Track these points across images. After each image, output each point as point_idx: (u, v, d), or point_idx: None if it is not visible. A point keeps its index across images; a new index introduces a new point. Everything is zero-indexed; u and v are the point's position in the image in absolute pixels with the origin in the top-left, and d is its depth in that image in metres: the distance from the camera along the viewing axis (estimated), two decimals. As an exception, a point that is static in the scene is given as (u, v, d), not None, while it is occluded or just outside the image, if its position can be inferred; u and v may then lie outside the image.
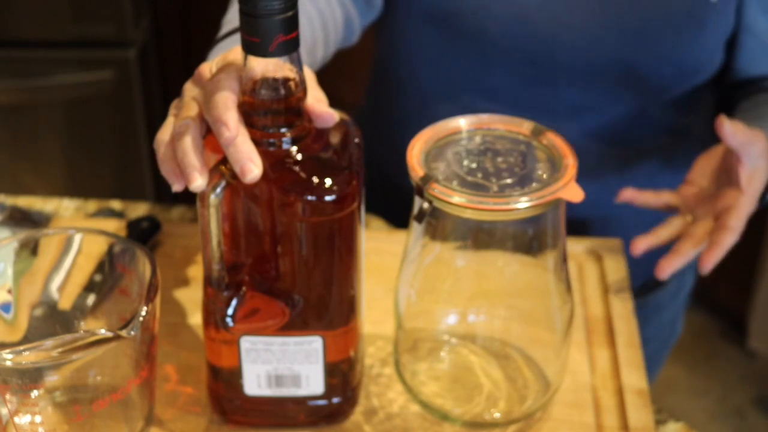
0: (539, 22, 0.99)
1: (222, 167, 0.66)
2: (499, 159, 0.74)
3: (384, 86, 1.13)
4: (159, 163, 0.68)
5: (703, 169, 0.93)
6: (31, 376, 0.67)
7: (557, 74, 1.01)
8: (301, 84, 0.67)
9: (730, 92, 1.06)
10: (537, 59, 1.00)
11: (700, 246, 0.89)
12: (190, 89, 0.70)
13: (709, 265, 0.87)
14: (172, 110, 0.70)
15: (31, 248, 0.76)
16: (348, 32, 1.02)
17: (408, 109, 1.10)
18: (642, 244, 0.91)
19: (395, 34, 1.09)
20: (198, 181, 0.64)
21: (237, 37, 0.84)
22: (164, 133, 0.68)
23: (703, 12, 0.97)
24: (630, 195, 0.93)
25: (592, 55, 0.99)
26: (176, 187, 0.66)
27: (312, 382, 0.75)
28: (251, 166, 0.64)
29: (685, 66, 1.00)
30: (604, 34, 0.98)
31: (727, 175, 0.90)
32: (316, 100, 0.70)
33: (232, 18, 0.89)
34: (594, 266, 0.96)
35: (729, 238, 0.87)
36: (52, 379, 0.72)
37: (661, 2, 0.97)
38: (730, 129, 0.86)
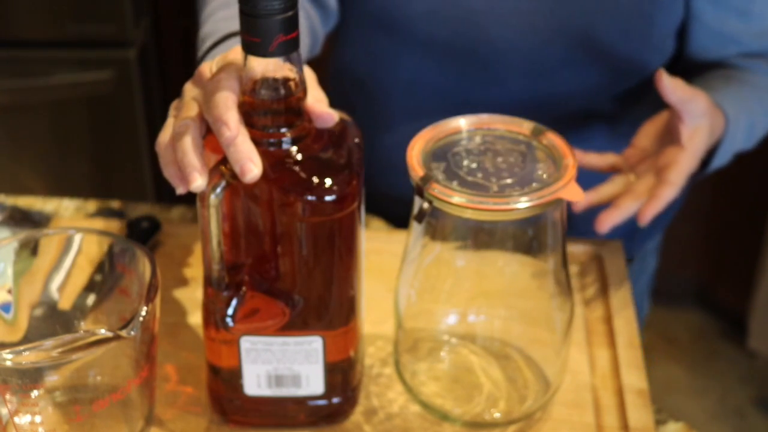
0: (487, 26, 1.00)
1: (222, 167, 0.66)
2: (499, 159, 0.74)
3: (343, 94, 1.15)
4: (162, 167, 0.68)
5: (648, 132, 0.94)
6: (31, 376, 0.67)
7: (507, 74, 1.03)
8: (301, 84, 0.67)
9: (683, 77, 1.08)
10: (487, 61, 1.02)
11: (640, 201, 0.89)
12: (190, 89, 0.70)
13: (647, 217, 0.88)
14: (172, 111, 0.71)
15: (31, 248, 0.76)
16: (314, 41, 1.03)
17: (367, 114, 1.11)
18: (583, 201, 0.91)
19: (349, 41, 1.12)
20: (198, 182, 0.65)
21: (232, 42, 0.84)
22: (165, 135, 0.68)
23: (651, 7, 0.99)
24: (577, 154, 0.94)
25: (541, 55, 1.01)
26: (180, 189, 0.67)
27: (312, 382, 0.75)
28: (251, 165, 0.64)
29: (634, 62, 1.02)
30: (552, 35, 1.00)
31: (670, 137, 0.91)
32: (316, 100, 0.70)
33: (211, 31, 0.88)
34: (594, 266, 0.96)
35: (668, 192, 0.87)
36: (52, 379, 0.72)
37: (608, 2, 0.98)
38: (669, 83, 0.87)
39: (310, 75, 0.72)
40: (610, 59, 1.01)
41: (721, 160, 0.97)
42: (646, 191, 0.89)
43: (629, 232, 1.13)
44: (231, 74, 0.67)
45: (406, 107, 1.08)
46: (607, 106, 1.06)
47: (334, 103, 0.72)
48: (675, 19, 1.01)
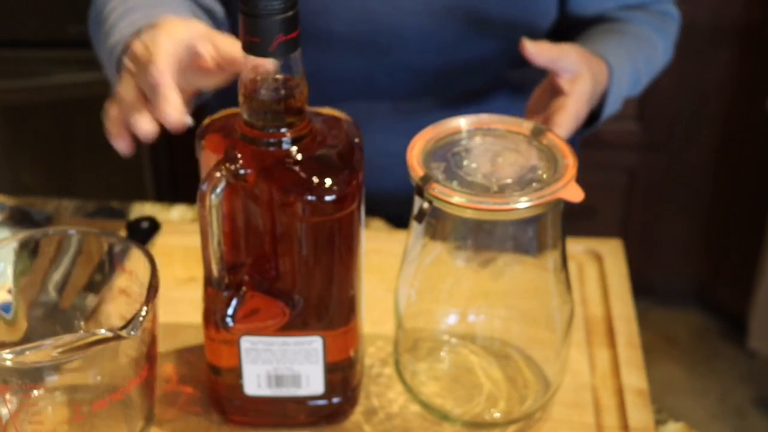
0: (382, 14, 1.03)
1: (222, 167, 0.66)
2: (499, 159, 0.74)
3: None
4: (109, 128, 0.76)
5: (538, 97, 0.98)
6: (31, 376, 0.67)
7: (410, 56, 1.06)
8: (302, 84, 0.67)
9: (567, 35, 1.12)
10: (388, 47, 1.05)
11: None
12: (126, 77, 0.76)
13: None
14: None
15: (31, 248, 0.76)
16: None
17: None
18: None
19: None
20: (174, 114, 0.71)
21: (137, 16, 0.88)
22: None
23: None
24: None
25: (439, 34, 1.05)
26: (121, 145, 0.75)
27: (312, 382, 0.75)
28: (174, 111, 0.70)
29: (525, 28, 1.05)
30: (446, 13, 1.03)
31: (555, 93, 0.95)
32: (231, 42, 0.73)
33: (120, 37, 0.89)
34: (594, 266, 0.96)
35: (558, 132, 0.90)
36: (52, 379, 0.71)
37: None
38: (534, 48, 0.92)
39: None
40: (503, 29, 1.06)
41: (612, 107, 1.02)
42: None
43: None
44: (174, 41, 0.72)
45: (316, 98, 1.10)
46: (506, 73, 1.11)
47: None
48: None
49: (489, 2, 1.04)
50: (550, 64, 0.93)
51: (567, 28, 1.12)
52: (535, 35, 1.05)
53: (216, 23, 1.06)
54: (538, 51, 0.92)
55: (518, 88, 1.12)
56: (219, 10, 1.07)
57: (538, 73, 1.04)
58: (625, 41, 1.06)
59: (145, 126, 0.74)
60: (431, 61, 1.07)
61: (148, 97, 0.74)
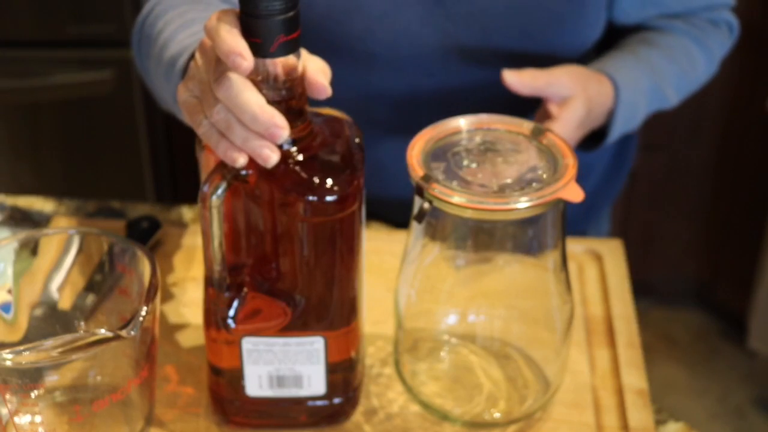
0: (425, 38, 1.01)
1: (224, 168, 0.66)
2: (499, 159, 0.74)
3: None
4: (215, 145, 0.66)
5: (537, 121, 0.96)
6: (31, 376, 0.67)
7: (453, 84, 1.04)
8: (302, 85, 0.67)
9: (607, 43, 1.10)
10: (431, 72, 1.03)
11: None
12: (198, 61, 0.68)
13: None
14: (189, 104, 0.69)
15: (31, 248, 0.76)
16: None
17: None
18: None
19: None
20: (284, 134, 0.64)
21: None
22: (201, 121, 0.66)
23: (580, 6, 1.01)
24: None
25: (481, 59, 1.02)
26: (242, 161, 0.65)
27: (314, 383, 0.75)
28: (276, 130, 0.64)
29: (568, 48, 1.03)
30: (490, 36, 1.01)
31: (547, 118, 0.94)
32: (319, 69, 0.69)
33: (181, 49, 0.84)
34: (594, 266, 0.96)
35: None
36: (52, 379, 0.72)
37: (541, 1, 1.00)
38: (514, 79, 0.90)
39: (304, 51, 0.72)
40: (550, 46, 1.03)
41: (623, 125, 1.00)
42: None
43: (582, 211, 1.17)
44: (228, 15, 0.64)
45: (397, 124, 1.08)
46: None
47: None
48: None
49: (536, 20, 1.01)
50: (536, 93, 0.91)
51: (608, 37, 1.09)
52: (581, 51, 1.05)
53: None
54: (519, 81, 0.90)
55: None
56: None
57: None
58: (652, 56, 1.03)
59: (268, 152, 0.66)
60: (474, 80, 1.04)
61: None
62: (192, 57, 0.78)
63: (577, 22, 1.02)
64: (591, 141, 1.03)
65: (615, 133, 1.00)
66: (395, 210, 1.01)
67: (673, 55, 1.05)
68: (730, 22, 1.11)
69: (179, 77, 0.82)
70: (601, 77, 0.98)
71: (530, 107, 1.00)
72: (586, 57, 1.07)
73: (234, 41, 0.62)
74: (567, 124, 0.92)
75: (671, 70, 1.04)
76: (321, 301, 0.72)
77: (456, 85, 1.05)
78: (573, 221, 1.11)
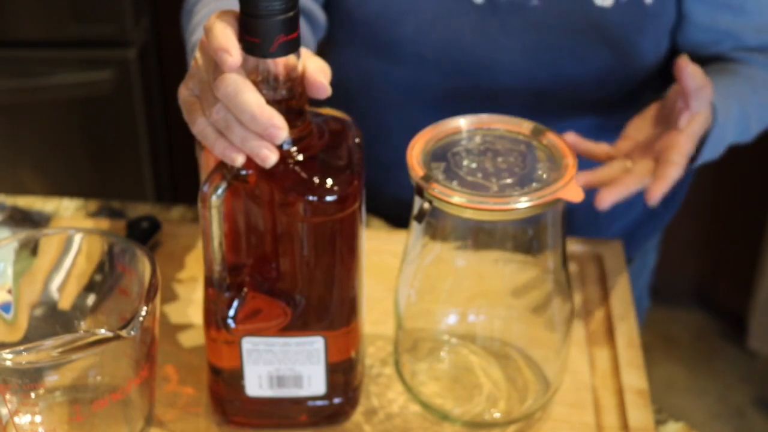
0: (475, 47, 1.01)
1: (224, 168, 0.66)
2: (499, 159, 0.74)
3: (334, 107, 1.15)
4: (211, 144, 0.66)
5: (638, 125, 0.93)
6: (31, 376, 0.67)
7: (499, 95, 1.02)
8: (302, 85, 0.67)
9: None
10: (478, 82, 1.02)
11: (642, 180, 0.88)
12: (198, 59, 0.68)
13: (656, 195, 0.86)
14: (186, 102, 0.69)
15: (31, 248, 0.76)
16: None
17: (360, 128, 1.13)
18: (581, 178, 0.89)
19: (339, 60, 1.10)
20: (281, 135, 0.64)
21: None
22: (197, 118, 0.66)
23: (641, 18, 0.99)
24: (572, 139, 0.92)
25: (531, 75, 1.01)
26: (240, 159, 0.65)
27: (314, 383, 0.75)
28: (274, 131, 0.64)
29: (628, 71, 1.02)
30: (541, 53, 1.00)
31: (665, 124, 0.90)
32: (319, 69, 0.68)
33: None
34: (594, 266, 0.96)
35: (673, 171, 0.86)
36: (52, 379, 0.71)
37: (595, 17, 0.98)
38: (691, 70, 0.86)
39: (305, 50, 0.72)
40: (602, 72, 1.02)
41: (711, 153, 0.96)
42: (646, 172, 0.88)
43: (629, 233, 1.12)
44: (227, 15, 0.65)
45: (399, 123, 1.08)
46: (598, 106, 1.06)
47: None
48: (667, 21, 1.01)
49: (585, 46, 0.99)
50: (694, 91, 0.86)
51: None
52: (631, 80, 1.03)
53: (314, 28, 1.04)
54: (693, 72, 0.86)
55: (603, 118, 1.07)
56: (320, 15, 1.05)
57: (628, 106, 1.01)
58: (737, 83, 1.00)
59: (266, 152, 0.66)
60: (525, 99, 1.03)
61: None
62: None
63: (632, 46, 1.00)
64: None
65: (702, 159, 0.96)
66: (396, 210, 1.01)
67: (755, 86, 1.01)
68: None
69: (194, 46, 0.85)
70: None
71: (556, 126, 1.00)
72: (645, 86, 1.05)
73: (224, 38, 0.63)
74: (692, 139, 0.88)
75: (753, 101, 1.00)
76: (321, 301, 0.72)
77: (499, 94, 1.03)
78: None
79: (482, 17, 1.00)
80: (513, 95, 1.03)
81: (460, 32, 1.00)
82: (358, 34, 1.05)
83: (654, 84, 1.07)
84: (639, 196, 0.94)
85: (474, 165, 0.73)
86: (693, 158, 0.93)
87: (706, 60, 1.05)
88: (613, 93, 1.04)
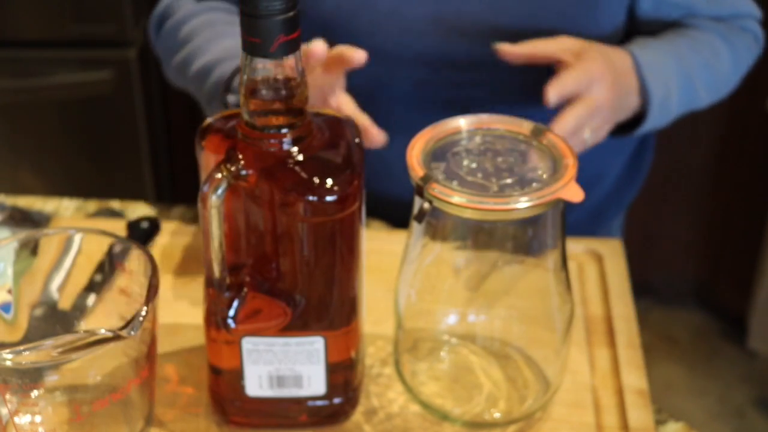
0: (433, 34, 1.02)
1: (223, 168, 0.66)
2: (499, 159, 0.74)
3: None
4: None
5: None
6: (31, 376, 0.67)
7: (463, 83, 1.05)
8: (302, 84, 0.67)
9: (633, 36, 1.09)
10: (439, 68, 1.04)
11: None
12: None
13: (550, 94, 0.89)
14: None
15: (31, 248, 0.76)
16: None
17: None
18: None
19: None
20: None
21: None
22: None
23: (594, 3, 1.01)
24: (508, 48, 0.94)
25: (489, 48, 1.02)
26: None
27: (314, 383, 0.75)
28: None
29: (587, 37, 1.03)
30: (499, 33, 1.01)
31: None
32: (341, 48, 0.75)
33: (224, 53, 0.93)
34: (594, 266, 0.96)
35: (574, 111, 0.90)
36: (52, 379, 0.71)
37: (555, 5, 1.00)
38: (508, 48, 0.91)
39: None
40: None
41: (659, 116, 1.00)
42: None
43: (596, 213, 1.16)
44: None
45: (403, 121, 1.08)
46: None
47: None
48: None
49: (540, 21, 1.01)
50: (532, 57, 0.91)
51: (633, 30, 1.09)
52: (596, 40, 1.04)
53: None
54: (510, 49, 0.90)
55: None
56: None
57: None
58: (681, 45, 1.02)
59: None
60: (482, 79, 1.05)
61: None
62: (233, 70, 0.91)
63: (587, 15, 1.02)
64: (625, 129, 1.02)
65: (651, 122, 0.99)
66: (395, 210, 1.01)
67: (697, 46, 1.03)
68: (756, 32, 1.10)
69: (214, 85, 0.93)
70: (618, 51, 0.97)
71: (538, 106, 1.00)
72: None
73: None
74: (588, 70, 0.90)
75: (694, 59, 1.03)
76: (321, 301, 0.72)
77: (461, 81, 1.05)
78: (581, 229, 1.11)
79: (438, 5, 1.01)
80: (473, 81, 1.05)
81: (415, 22, 1.02)
82: (315, 33, 1.06)
83: None
84: (605, 176, 0.95)
85: (474, 165, 0.73)
86: (629, 128, 0.99)
87: (661, 27, 1.08)
88: None
